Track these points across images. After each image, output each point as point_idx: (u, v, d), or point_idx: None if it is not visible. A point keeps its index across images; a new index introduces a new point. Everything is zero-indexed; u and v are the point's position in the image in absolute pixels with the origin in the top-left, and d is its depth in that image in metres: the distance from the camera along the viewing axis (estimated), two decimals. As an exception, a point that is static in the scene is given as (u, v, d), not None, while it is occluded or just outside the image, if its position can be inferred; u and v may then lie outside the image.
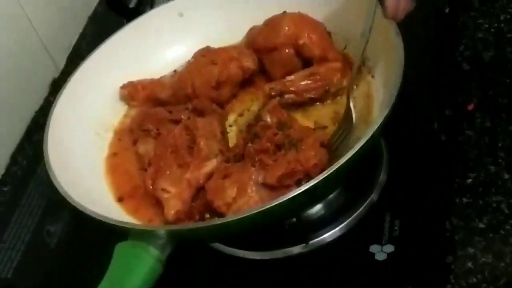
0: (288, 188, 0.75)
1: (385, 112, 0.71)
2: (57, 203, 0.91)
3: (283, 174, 0.75)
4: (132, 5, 1.22)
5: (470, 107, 0.87)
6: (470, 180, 0.80)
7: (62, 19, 1.19)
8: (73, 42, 1.21)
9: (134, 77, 0.95)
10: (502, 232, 0.75)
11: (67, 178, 0.78)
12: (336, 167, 0.67)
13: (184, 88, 0.90)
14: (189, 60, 0.94)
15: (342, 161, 0.67)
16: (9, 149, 1.05)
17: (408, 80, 0.76)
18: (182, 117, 0.86)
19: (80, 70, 0.92)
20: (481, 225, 0.76)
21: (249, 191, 0.76)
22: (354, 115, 0.82)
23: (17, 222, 0.93)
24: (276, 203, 0.66)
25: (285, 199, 0.66)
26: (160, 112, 0.89)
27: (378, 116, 0.73)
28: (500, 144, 0.83)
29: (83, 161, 0.86)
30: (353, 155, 0.67)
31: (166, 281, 0.69)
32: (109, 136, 0.92)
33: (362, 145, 0.68)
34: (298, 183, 0.75)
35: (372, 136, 0.69)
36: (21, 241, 0.90)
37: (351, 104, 0.82)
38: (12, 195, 0.98)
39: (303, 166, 0.76)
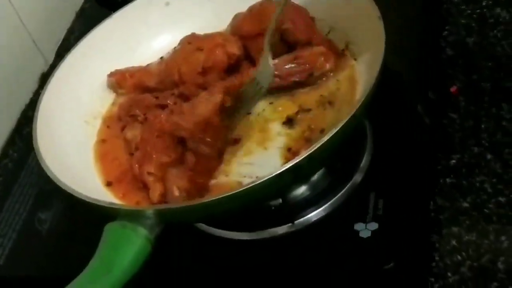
0: (189, 153, 0.79)
1: (367, 92, 0.72)
2: (48, 192, 0.93)
3: (165, 147, 0.80)
4: (120, -2, 1.22)
5: (453, 89, 0.88)
6: (454, 161, 0.82)
7: (51, 14, 1.20)
8: (62, 37, 1.23)
9: (122, 66, 0.96)
10: (486, 211, 0.76)
11: (57, 165, 0.79)
12: (318, 145, 0.67)
13: (171, 75, 0.91)
14: (175, 47, 0.95)
15: (324, 139, 0.68)
16: (-1, 143, 1.06)
17: (393, 64, 0.77)
18: (169, 102, 0.86)
19: (67, 59, 0.93)
20: (465, 205, 0.77)
21: (170, 177, 0.79)
22: (271, 62, 0.83)
23: (8, 210, 0.94)
24: (260, 181, 0.67)
25: (269, 177, 0.66)
26: (147, 98, 0.90)
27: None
28: (483, 126, 0.84)
29: (73, 148, 0.86)
30: (335, 133, 0.68)
31: (153, 262, 0.70)
32: (98, 123, 0.92)
33: (344, 124, 0.69)
34: (191, 145, 0.79)
35: (354, 115, 0.70)
36: (12, 229, 0.91)
37: (267, 48, 0.83)
38: (4, 186, 0.99)
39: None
